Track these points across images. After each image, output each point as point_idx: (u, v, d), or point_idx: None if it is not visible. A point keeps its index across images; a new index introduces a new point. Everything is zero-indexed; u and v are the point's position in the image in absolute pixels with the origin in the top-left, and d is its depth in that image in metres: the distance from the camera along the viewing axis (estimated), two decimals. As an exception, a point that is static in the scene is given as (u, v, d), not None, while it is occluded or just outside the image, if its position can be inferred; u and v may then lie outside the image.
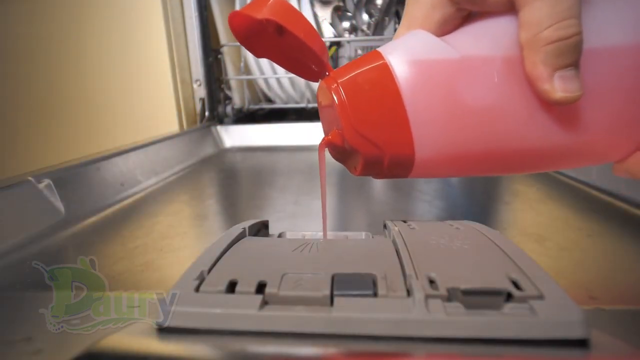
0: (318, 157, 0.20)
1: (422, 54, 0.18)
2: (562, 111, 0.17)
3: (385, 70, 0.17)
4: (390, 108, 0.17)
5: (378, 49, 0.18)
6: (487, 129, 0.17)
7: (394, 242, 0.19)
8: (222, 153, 0.75)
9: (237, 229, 0.21)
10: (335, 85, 0.18)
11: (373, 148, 0.18)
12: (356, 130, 0.17)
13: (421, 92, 0.17)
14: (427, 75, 0.17)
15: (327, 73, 0.19)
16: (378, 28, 0.86)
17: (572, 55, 0.16)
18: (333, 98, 0.18)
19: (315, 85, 0.81)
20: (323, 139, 0.20)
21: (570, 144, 0.18)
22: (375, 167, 0.18)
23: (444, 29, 0.18)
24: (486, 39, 0.17)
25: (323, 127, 0.22)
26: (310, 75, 0.20)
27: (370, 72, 0.18)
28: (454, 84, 0.17)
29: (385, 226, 0.22)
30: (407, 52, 0.18)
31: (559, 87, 0.16)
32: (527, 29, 0.16)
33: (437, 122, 0.17)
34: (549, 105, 0.17)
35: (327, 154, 0.21)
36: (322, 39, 0.18)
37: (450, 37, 0.18)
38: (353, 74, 0.18)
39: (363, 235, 0.23)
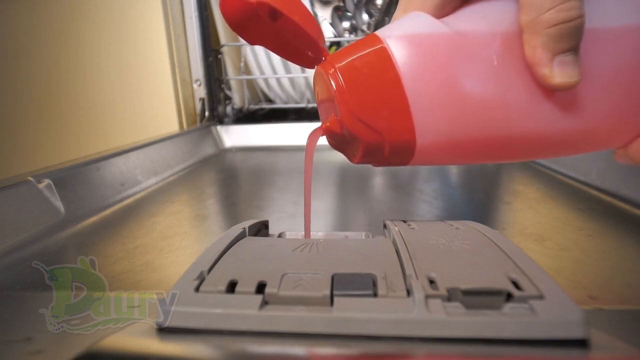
0: (306, 146, 0.20)
1: (421, 37, 0.17)
2: (562, 95, 0.17)
3: (384, 54, 0.17)
4: (390, 92, 0.17)
5: (376, 32, 0.18)
6: (487, 113, 0.17)
7: (394, 242, 0.19)
8: (222, 153, 0.75)
9: (237, 229, 0.21)
10: (333, 70, 0.17)
11: (373, 134, 0.17)
12: (355, 116, 0.17)
13: (421, 75, 0.17)
14: (426, 58, 0.17)
15: (323, 58, 0.18)
16: (378, 28, 0.86)
17: (572, 39, 0.16)
18: (331, 83, 0.17)
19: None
20: (318, 127, 0.19)
21: (571, 129, 0.18)
22: (375, 154, 0.18)
23: (443, 11, 0.18)
24: (486, 21, 0.17)
25: (320, 115, 0.21)
26: (306, 62, 0.19)
27: (368, 56, 0.17)
28: (454, 66, 0.17)
29: (385, 226, 0.22)
30: (405, 35, 0.17)
31: (557, 72, 0.16)
32: (528, 11, 0.16)
33: (438, 106, 0.17)
34: (549, 90, 0.17)
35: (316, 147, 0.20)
36: (318, 23, 0.18)
37: (449, 20, 0.18)
38: (351, 58, 0.17)
39: (363, 235, 0.23)
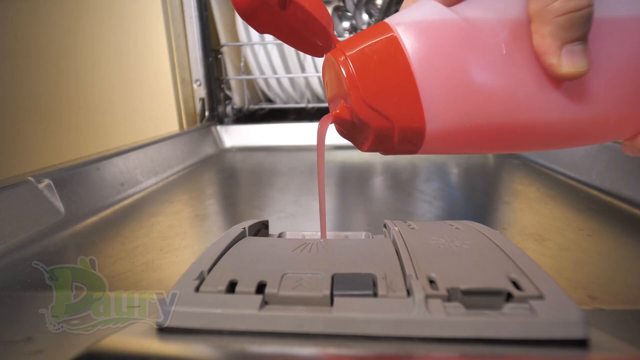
0: (317, 134, 0.20)
1: (430, 24, 0.17)
2: (570, 85, 0.17)
3: (394, 42, 0.17)
4: (400, 80, 0.17)
5: (385, 20, 0.18)
6: (495, 101, 0.17)
7: (394, 242, 0.19)
8: (222, 153, 0.75)
9: (237, 229, 0.21)
10: (344, 57, 0.17)
11: (383, 121, 0.17)
12: (366, 103, 0.17)
13: (431, 62, 0.17)
14: (436, 46, 0.17)
15: (333, 46, 0.19)
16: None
17: (581, 28, 0.16)
18: (341, 71, 0.17)
19: (315, 84, 0.81)
20: (328, 115, 0.19)
21: (578, 119, 0.18)
22: (384, 142, 0.18)
23: None
24: (495, 9, 0.17)
25: (329, 104, 0.21)
26: (314, 51, 0.19)
27: (379, 44, 0.17)
28: (464, 54, 0.17)
29: (385, 226, 0.22)
30: (415, 23, 0.17)
31: (565, 62, 0.16)
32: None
33: (448, 94, 0.17)
34: (557, 79, 0.17)
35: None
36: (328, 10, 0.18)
37: (458, 7, 0.18)
38: (361, 45, 0.17)
39: (363, 235, 0.23)
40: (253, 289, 0.14)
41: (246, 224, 0.22)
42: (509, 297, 0.13)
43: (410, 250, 0.17)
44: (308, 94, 0.81)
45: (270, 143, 0.79)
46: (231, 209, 0.44)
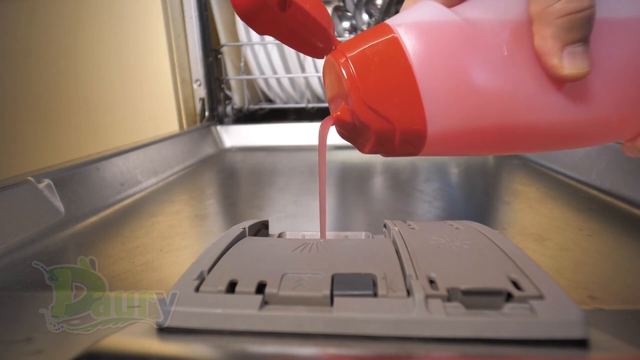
0: (318, 136, 0.19)
1: (431, 26, 0.17)
2: (571, 86, 0.17)
3: (395, 43, 0.17)
4: (401, 81, 0.17)
5: (386, 21, 0.18)
6: (497, 102, 0.17)
7: (394, 242, 0.19)
8: (222, 153, 0.75)
9: (237, 229, 0.21)
10: (344, 59, 0.17)
11: (384, 123, 0.17)
12: (367, 105, 0.17)
13: (432, 64, 0.17)
14: (437, 47, 0.17)
15: (333, 47, 0.18)
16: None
17: (583, 29, 0.16)
18: (342, 72, 0.17)
19: (315, 84, 0.81)
20: (329, 117, 0.19)
21: (579, 120, 0.18)
22: (386, 144, 0.18)
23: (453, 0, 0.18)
24: (496, 10, 0.17)
25: (330, 105, 0.21)
26: (315, 52, 0.19)
27: (379, 45, 0.17)
28: (465, 56, 0.17)
29: (385, 226, 0.22)
30: (416, 24, 0.17)
31: (567, 63, 0.16)
32: (538, 0, 0.16)
33: (449, 95, 0.17)
34: (558, 80, 0.17)
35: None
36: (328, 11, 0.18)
37: (459, 8, 0.18)
38: (362, 47, 0.17)
39: (363, 235, 0.23)
40: (253, 289, 0.14)
41: (246, 224, 0.22)
42: (509, 297, 0.13)
43: (410, 250, 0.17)
44: (308, 94, 0.81)
45: (270, 143, 0.79)
46: (231, 209, 0.44)
